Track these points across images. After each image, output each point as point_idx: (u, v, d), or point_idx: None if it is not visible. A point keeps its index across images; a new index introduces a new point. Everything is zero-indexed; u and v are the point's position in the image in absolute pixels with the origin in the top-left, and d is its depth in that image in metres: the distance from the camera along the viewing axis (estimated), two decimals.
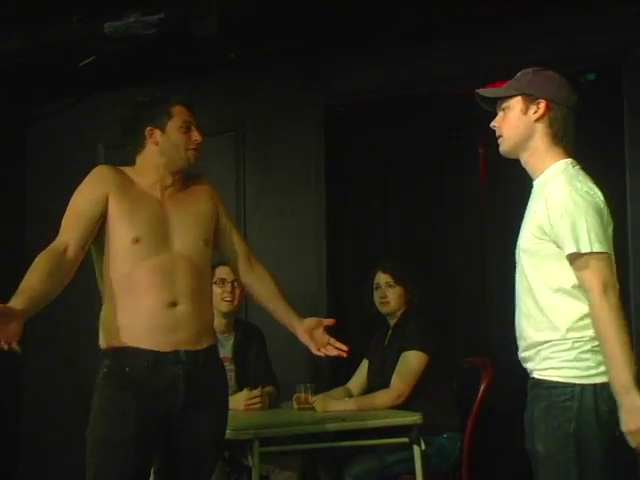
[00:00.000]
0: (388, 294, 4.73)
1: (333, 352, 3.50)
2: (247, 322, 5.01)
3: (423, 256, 5.44)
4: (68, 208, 3.31)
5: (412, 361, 4.53)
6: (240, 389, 4.58)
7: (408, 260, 5.08)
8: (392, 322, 4.75)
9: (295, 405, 4.54)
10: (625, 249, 4.59)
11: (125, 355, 3.23)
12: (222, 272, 4.54)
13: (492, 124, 3.03)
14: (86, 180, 3.34)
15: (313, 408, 4.45)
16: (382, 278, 4.75)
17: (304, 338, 3.53)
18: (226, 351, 4.72)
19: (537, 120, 2.93)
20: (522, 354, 2.99)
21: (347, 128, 5.59)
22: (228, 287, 4.66)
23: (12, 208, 6.16)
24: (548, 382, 2.85)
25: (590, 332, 2.79)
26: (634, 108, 4.65)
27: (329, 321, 3.54)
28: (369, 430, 4.30)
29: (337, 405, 4.48)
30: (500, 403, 4.93)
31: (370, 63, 5.34)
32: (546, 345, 2.86)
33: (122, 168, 3.42)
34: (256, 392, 4.48)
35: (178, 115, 3.37)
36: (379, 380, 4.64)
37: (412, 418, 4.26)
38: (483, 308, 5.40)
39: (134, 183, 3.35)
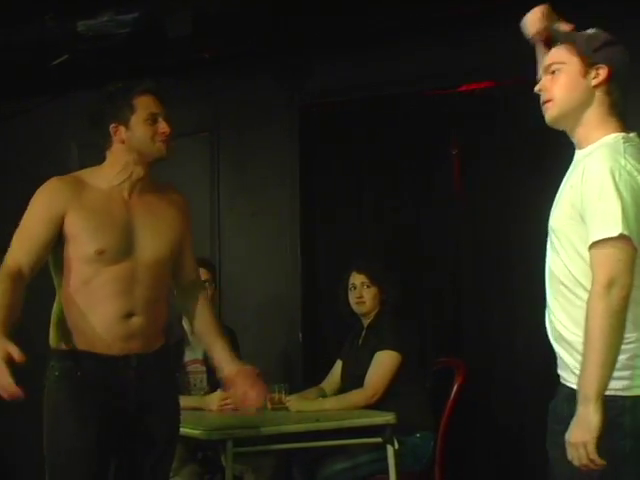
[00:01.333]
0: (364, 294, 4.70)
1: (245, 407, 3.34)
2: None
3: (397, 256, 5.44)
4: (21, 224, 3.16)
5: (386, 361, 4.52)
6: (212, 391, 4.56)
7: (382, 260, 5.08)
8: (366, 322, 4.73)
9: (269, 405, 4.45)
10: None
11: (76, 358, 3.16)
12: None
13: (537, 88, 2.69)
14: (39, 196, 3.18)
15: (287, 408, 4.44)
16: (358, 278, 4.73)
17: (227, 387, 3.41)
18: (197, 353, 4.69)
19: (596, 86, 2.61)
20: (559, 359, 2.65)
21: (321, 128, 5.58)
22: None
23: None
24: None
25: (637, 333, 2.49)
26: None
27: (251, 371, 3.31)
28: (343, 430, 4.30)
29: (311, 405, 4.48)
30: (473, 403, 4.94)
31: (343, 64, 5.34)
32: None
33: (81, 173, 3.29)
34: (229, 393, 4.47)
35: (142, 107, 3.20)
36: (353, 380, 4.62)
37: (385, 418, 4.25)
38: (457, 309, 5.40)
39: (95, 189, 3.20)
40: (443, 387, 4.62)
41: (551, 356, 2.68)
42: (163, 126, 3.22)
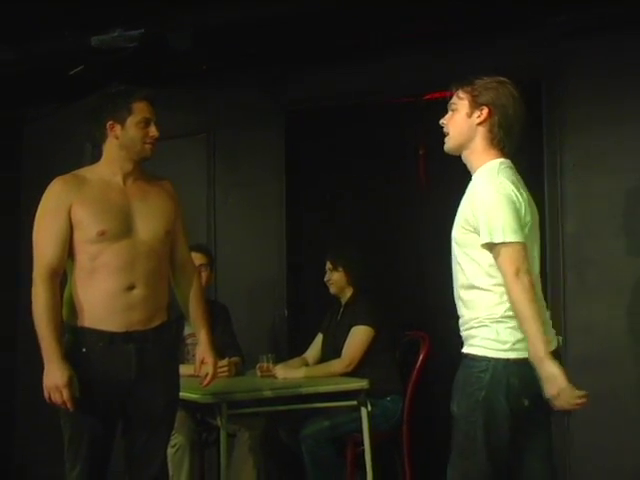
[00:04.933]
0: (331, 277, 4.77)
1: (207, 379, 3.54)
2: (215, 301, 5.00)
3: (370, 243, 5.47)
4: (39, 228, 3.21)
5: (361, 334, 4.58)
6: None
7: (352, 246, 5.09)
8: (344, 301, 4.79)
9: (258, 373, 4.53)
10: (542, 239, 4.64)
11: (83, 335, 3.21)
12: None
13: (441, 121, 3.00)
14: (48, 197, 3.24)
15: (274, 376, 4.47)
16: (327, 264, 4.80)
17: (198, 358, 3.57)
18: None
19: (479, 124, 2.90)
20: (461, 332, 2.97)
21: (304, 131, 5.57)
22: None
23: (8, 200, 6.11)
24: (471, 355, 2.85)
25: (510, 312, 2.78)
26: (551, 116, 4.69)
27: (212, 362, 3.53)
28: (323, 394, 4.33)
29: (295, 373, 4.50)
30: (436, 370, 4.99)
31: (325, 74, 5.32)
32: (473, 323, 2.85)
33: (81, 170, 3.36)
34: (223, 362, 4.39)
35: (138, 111, 3.25)
36: (332, 351, 4.67)
37: (360, 384, 4.30)
38: (422, 289, 5.45)
39: (94, 181, 3.26)
40: (410, 357, 4.68)
41: None
42: (153, 130, 3.29)
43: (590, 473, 4.52)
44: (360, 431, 4.31)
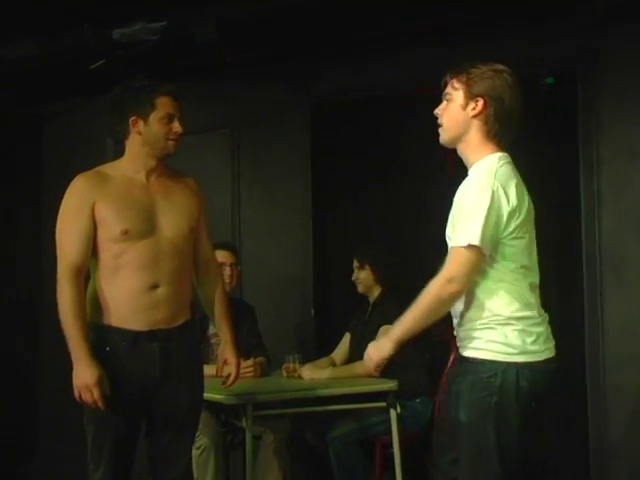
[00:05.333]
0: (358, 276, 4.75)
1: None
2: (241, 300, 4.98)
3: (397, 240, 5.42)
4: (62, 226, 3.19)
5: None
6: None
7: (379, 244, 5.05)
8: (371, 300, 4.75)
9: (284, 374, 4.53)
10: (578, 236, 4.62)
11: (107, 333, 3.18)
12: (220, 256, 4.35)
13: (436, 111, 2.89)
14: (70, 195, 3.20)
15: (300, 376, 4.43)
16: (355, 263, 4.79)
17: (220, 358, 3.54)
18: None
19: (474, 117, 2.79)
20: (456, 332, 2.89)
21: (330, 125, 5.54)
22: (227, 270, 4.58)
23: (29, 198, 6.11)
24: (476, 359, 2.76)
25: (517, 314, 2.73)
26: (587, 109, 4.65)
27: (234, 362, 3.49)
28: (350, 396, 4.29)
29: (322, 374, 4.47)
30: None
31: (350, 67, 5.31)
32: (476, 325, 2.76)
33: (103, 167, 3.32)
34: (249, 362, 4.42)
35: (162, 107, 3.21)
36: (360, 351, 4.51)
37: (389, 385, 4.26)
38: None
39: (117, 178, 3.23)
40: (441, 357, 4.59)
41: None
42: (177, 126, 3.25)
43: (626, 472, 4.49)
44: (389, 433, 4.27)
